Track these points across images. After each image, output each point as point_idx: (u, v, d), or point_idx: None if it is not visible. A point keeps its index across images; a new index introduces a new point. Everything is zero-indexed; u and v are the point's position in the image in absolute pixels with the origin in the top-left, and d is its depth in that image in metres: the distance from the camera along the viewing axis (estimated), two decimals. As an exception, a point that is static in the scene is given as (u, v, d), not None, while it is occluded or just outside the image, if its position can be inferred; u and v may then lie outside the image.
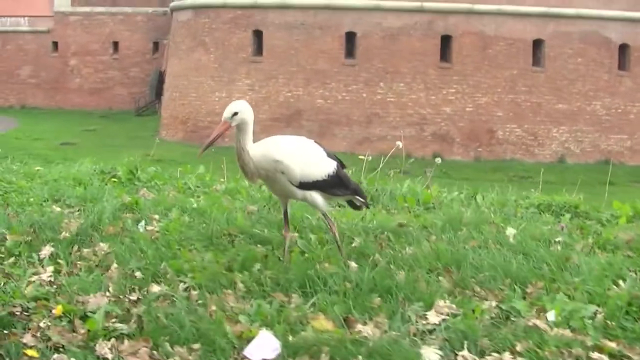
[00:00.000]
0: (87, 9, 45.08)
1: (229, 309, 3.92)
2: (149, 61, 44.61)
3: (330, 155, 4.74)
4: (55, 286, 4.16)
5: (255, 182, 4.66)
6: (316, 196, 4.66)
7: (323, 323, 3.74)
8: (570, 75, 30.81)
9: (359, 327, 3.76)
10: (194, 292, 4.08)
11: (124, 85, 45.16)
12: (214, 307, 3.86)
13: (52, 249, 4.76)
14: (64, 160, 19.09)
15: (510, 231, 5.68)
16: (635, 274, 4.80)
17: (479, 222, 6.05)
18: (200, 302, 3.98)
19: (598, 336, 3.73)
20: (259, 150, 4.43)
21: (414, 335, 3.73)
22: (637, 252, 5.41)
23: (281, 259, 4.76)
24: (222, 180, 8.00)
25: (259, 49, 31.21)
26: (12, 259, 4.59)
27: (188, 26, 32.06)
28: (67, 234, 5.06)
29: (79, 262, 4.58)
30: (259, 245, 5.13)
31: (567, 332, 3.76)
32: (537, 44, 30.81)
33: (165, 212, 6.01)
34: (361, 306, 4.02)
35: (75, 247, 4.87)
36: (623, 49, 30.65)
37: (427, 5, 31.03)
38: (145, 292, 4.10)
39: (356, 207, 5.21)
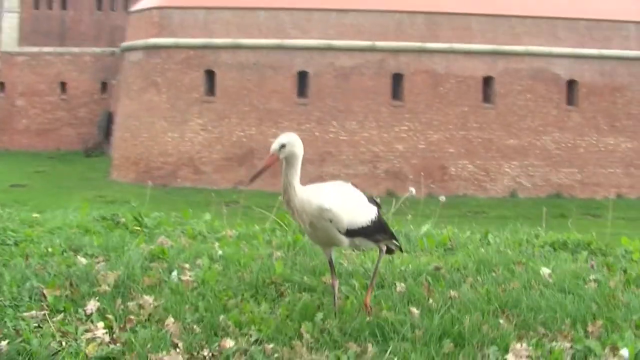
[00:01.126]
0: (34, 49, 44.42)
1: (307, 360, 3.83)
2: (97, 101, 44.02)
3: (370, 199, 4.71)
4: (118, 344, 4.00)
5: (299, 221, 4.47)
6: (363, 242, 4.63)
7: (412, 372, 3.67)
8: (520, 111, 31.41)
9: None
10: (268, 346, 3.97)
11: (72, 125, 44.44)
12: (293, 360, 3.77)
13: (98, 303, 4.59)
14: (16, 202, 18.65)
15: (545, 271, 5.69)
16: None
17: (507, 263, 6.05)
18: (276, 356, 3.88)
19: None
20: (305, 194, 4.32)
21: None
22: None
23: (333, 307, 4.67)
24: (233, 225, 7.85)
25: (211, 89, 31.13)
26: (60, 316, 4.40)
27: (139, 66, 31.83)
28: (107, 287, 4.89)
29: (130, 317, 4.41)
30: (305, 293, 5.04)
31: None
32: (487, 81, 31.37)
33: (193, 260, 5.86)
34: (436, 353, 3.97)
35: (119, 301, 4.70)
36: (571, 84, 31.39)
37: (378, 44, 31.39)
38: (217, 347, 3.97)
39: (390, 252, 5.08)
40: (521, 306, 4.70)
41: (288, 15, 30.92)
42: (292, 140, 4.27)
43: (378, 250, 4.86)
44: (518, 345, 4.05)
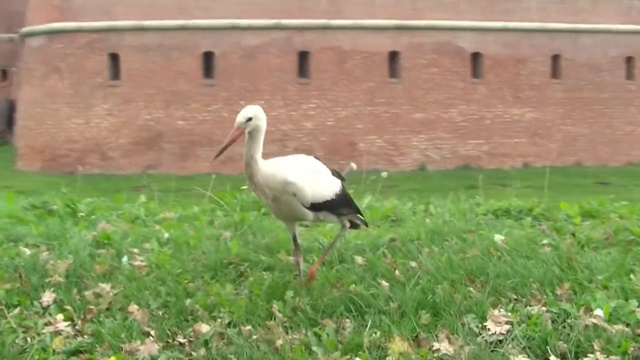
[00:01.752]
0: None
1: (288, 341, 3.72)
2: (-3, 89, 42.36)
3: (334, 172, 4.62)
4: (85, 336, 3.81)
5: (261, 196, 4.38)
6: (327, 216, 4.56)
7: (400, 345, 3.61)
8: (426, 85, 31.71)
9: (435, 345, 3.66)
10: (245, 328, 3.84)
11: (-29, 116, 42.60)
12: (280, 341, 3.65)
13: (54, 294, 4.36)
14: None
15: (498, 237, 5.72)
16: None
17: (458, 232, 6.06)
18: (255, 337, 3.75)
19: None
20: (268, 169, 4.23)
21: (490, 346, 3.68)
22: (621, 246, 5.58)
23: (300, 284, 4.56)
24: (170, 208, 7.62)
25: (116, 73, 30.29)
26: (16, 310, 4.16)
27: (41, 52, 30.69)
28: (60, 277, 4.66)
29: (90, 307, 4.20)
30: (267, 272, 4.92)
31: (626, 328, 3.80)
32: (393, 56, 31.54)
33: (140, 244, 5.66)
34: (415, 325, 3.92)
35: (74, 291, 4.48)
36: (476, 57, 31.88)
37: (284, 22, 31.16)
38: (192, 332, 3.82)
39: (355, 226, 5.01)
40: (487, 273, 4.69)
41: (192, -5, 30.44)
42: (257, 114, 4.17)
43: (340, 225, 4.77)
44: (495, 312, 4.05)
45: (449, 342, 3.66)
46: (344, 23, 31.04)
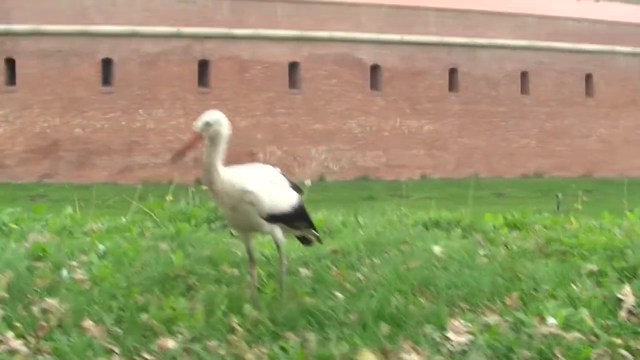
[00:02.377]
0: None
1: (254, 356, 3.67)
2: None
3: (293, 185, 4.58)
4: (45, 354, 3.66)
5: (220, 204, 4.29)
6: (278, 229, 4.46)
7: (369, 357, 3.61)
8: (326, 96, 32.01)
9: (405, 356, 3.68)
10: (211, 343, 3.77)
11: None
12: (250, 356, 3.60)
13: (1, 310, 4.18)
14: None
15: (437, 248, 5.80)
16: (579, 276, 5.11)
17: (395, 243, 6.12)
18: (222, 353, 3.69)
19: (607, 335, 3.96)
20: (227, 177, 4.13)
21: (456, 356, 3.73)
22: (556, 256, 5.76)
23: (254, 297, 4.49)
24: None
25: (11, 78, 29.36)
26: (-37, 330, 3.96)
27: None
28: (4, 293, 4.46)
29: (41, 323, 4.04)
30: (215, 285, 4.84)
31: (581, 336, 3.92)
32: (293, 66, 31.71)
33: (76, 257, 5.48)
34: (375, 335, 3.93)
35: (20, 306, 4.30)
36: (374, 69, 32.37)
37: (184, 30, 30.90)
38: (157, 348, 3.72)
39: (307, 242, 4.95)
40: (436, 284, 4.76)
41: (92, 0, 29.72)
42: (218, 119, 4.06)
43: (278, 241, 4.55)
44: (455, 322, 4.09)
45: (417, 353, 3.69)
46: (244, 32, 31.03)
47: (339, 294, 4.50)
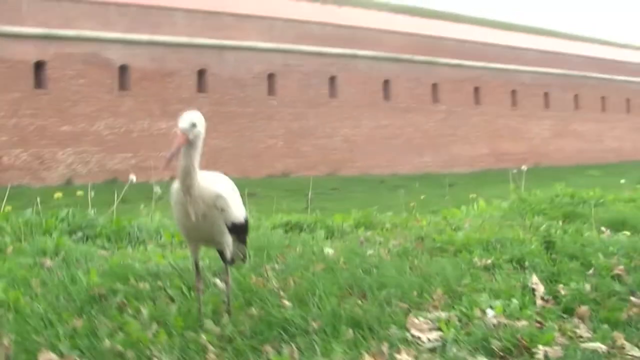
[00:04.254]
0: None
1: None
2: None
3: None
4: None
5: (190, 210, 3.97)
6: (231, 241, 4.31)
7: (371, 361, 3.72)
8: (74, 96, 30.70)
9: (398, 357, 3.82)
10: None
11: None
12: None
13: None
14: None
15: (329, 251, 5.96)
16: (478, 269, 5.53)
17: (278, 247, 6.19)
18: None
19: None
20: (202, 181, 3.95)
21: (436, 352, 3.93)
22: (437, 253, 6.14)
23: (200, 312, 4.35)
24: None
25: None
26: None
27: None
28: None
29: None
30: (151, 301, 4.64)
31: (526, 322, 4.30)
32: (40, 65, 30.12)
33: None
34: (346, 341, 4.01)
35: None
36: (123, 69, 31.58)
37: None
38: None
39: (230, 261, 4.51)
40: (365, 285, 4.91)
41: None
42: (200, 119, 3.91)
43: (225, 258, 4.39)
44: (415, 320, 4.30)
45: (407, 354, 3.83)
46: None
47: (286, 302, 4.50)
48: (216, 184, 4.03)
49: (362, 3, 38.25)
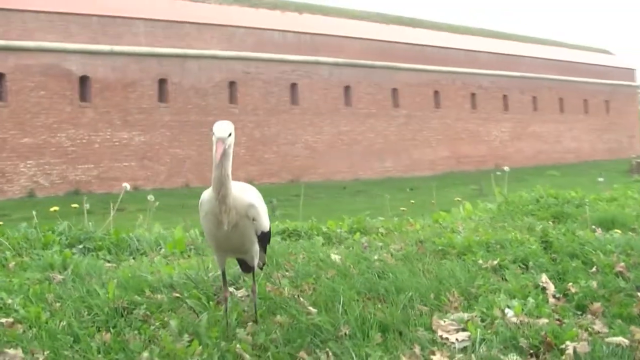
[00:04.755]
0: None
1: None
2: None
3: None
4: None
5: (224, 220, 3.96)
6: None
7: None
8: (34, 108, 30.34)
9: (435, 358, 3.90)
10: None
11: None
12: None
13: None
14: None
15: (336, 257, 6.02)
16: (487, 270, 5.65)
17: (284, 254, 6.23)
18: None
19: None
20: (235, 190, 3.95)
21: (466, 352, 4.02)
22: (439, 256, 6.25)
23: (226, 322, 4.39)
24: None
25: None
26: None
27: None
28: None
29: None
30: (171, 312, 4.65)
31: (546, 320, 4.42)
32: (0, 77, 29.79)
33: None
34: (377, 345, 4.08)
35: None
36: (84, 80, 31.29)
37: None
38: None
39: (247, 268, 4.64)
40: (384, 289, 4.98)
41: None
42: (233, 128, 3.86)
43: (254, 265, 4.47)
44: (440, 322, 4.39)
45: (441, 355, 3.92)
46: (-60, 41, 28.55)
47: (312, 309, 4.56)
48: (247, 193, 4.06)
49: (322, 10, 38.42)
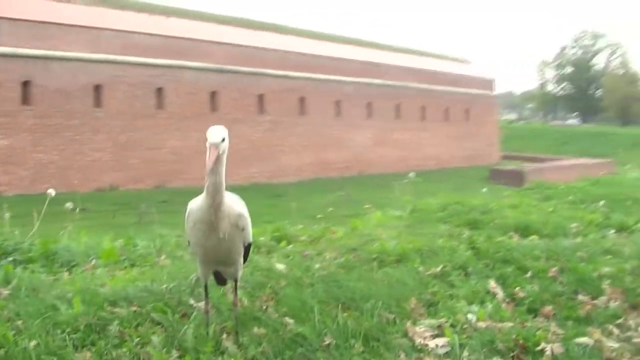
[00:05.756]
0: None
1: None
2: None
3: None
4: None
5: (220, 228, 3.89)
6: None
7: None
8: None
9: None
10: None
11: None
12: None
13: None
14: None
15: (280, 266, 6.07)
16: (432, 277, 5.86)
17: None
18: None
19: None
20: (227, 198, 3.89)
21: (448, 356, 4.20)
22: (377, 262, 6.40)
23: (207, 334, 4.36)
24: None
25: None
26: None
27: None
28: None
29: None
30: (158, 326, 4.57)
31: (511, 323, 4.68)
32: None
33: None
34: (361, 353, 4.19)
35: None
36: None
37: None
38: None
39: (222, 280, 4.63)
40: (340, 299, 5.07)
41: None
42: (227, 134, 3.78)
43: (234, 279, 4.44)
44: (416, 329, 4.56)
45: (427, 360, 4.09)
46: None
47: (288, 320, 4.60)
48: (236, 202, 4.03)
49: (189, 14, 38.07)
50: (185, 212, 4.10)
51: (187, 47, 36.40)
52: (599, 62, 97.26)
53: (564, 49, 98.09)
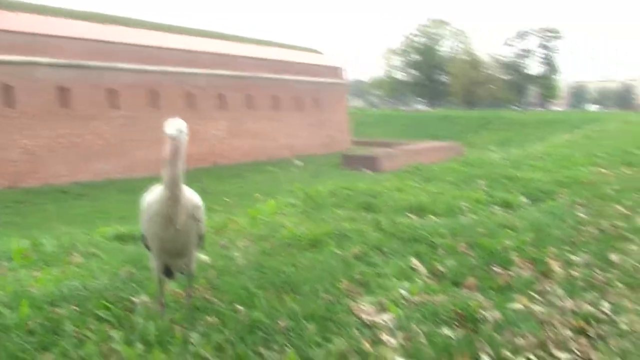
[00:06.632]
0: None
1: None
2: None
3: None
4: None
5: (176, 219, 3.94)
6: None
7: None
8: None
9: (383, 338, 4.27)
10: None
11: None
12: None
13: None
14: None
15: (203, 257, 6.13)
16: (350, 258, 6.09)
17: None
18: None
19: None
20: (185, 190, 3.97)
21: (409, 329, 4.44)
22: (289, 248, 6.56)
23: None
24: None
25: None
26: None
27: None
28: None
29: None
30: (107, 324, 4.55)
31: (444, 296, 4.99)
32: None
33: None
34: (317, 333, 4.36)
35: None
36: None
37: None
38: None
39: (171, 274, 4.64)
40: (277, 284, 5.23)
41: None
42: (185, 126, 3.85)
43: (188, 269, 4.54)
44: (362, 307, 4.78)
45: (386, 335, 4.32)
46: None
47: (239, 307, 4.69)
48: (192, 194, 4.10)
49: (37, 9, 36.64)
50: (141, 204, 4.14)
51: (37, 43, 34.98)
52: (444, 48, 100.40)
53: (408, 36, 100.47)
